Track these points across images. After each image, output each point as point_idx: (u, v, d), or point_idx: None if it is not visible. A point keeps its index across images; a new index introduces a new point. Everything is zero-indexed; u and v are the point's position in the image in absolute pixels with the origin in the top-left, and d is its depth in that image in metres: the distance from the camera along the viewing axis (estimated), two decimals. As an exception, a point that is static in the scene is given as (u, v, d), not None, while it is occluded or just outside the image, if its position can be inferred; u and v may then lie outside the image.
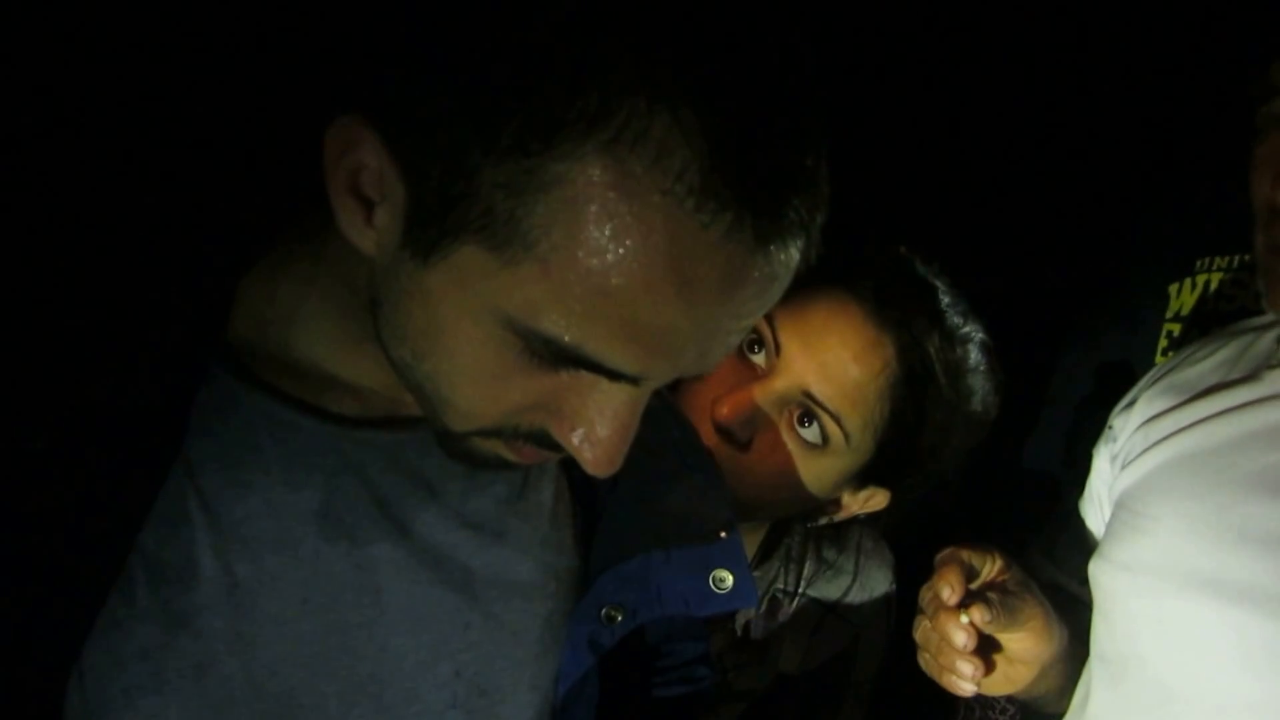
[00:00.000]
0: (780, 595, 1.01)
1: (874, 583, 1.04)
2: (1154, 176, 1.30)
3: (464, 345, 0.53)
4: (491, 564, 0.68)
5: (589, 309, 0.49)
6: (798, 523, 1.03)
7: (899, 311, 0.90)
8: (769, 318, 0.89)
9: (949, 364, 0.90)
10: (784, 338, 0.90)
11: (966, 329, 0.93)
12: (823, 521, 1.01)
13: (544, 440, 0.57)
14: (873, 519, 1.05)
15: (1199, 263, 1.16)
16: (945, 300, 0.93)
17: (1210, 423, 0.80)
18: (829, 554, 1.04)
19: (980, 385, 0.93)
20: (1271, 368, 0.81)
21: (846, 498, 0.97)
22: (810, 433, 0.89)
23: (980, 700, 1.12)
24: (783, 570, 1.02)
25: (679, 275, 0.48)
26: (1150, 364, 1.14)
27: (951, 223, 1.30)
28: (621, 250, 0.48)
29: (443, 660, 0.66)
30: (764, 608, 1.00)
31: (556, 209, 0.48)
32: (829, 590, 1.02)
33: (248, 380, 0.62)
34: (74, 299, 0.61)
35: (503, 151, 0.48)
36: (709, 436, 0.88)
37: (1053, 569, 0.97)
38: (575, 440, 0.56)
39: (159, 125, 0.90)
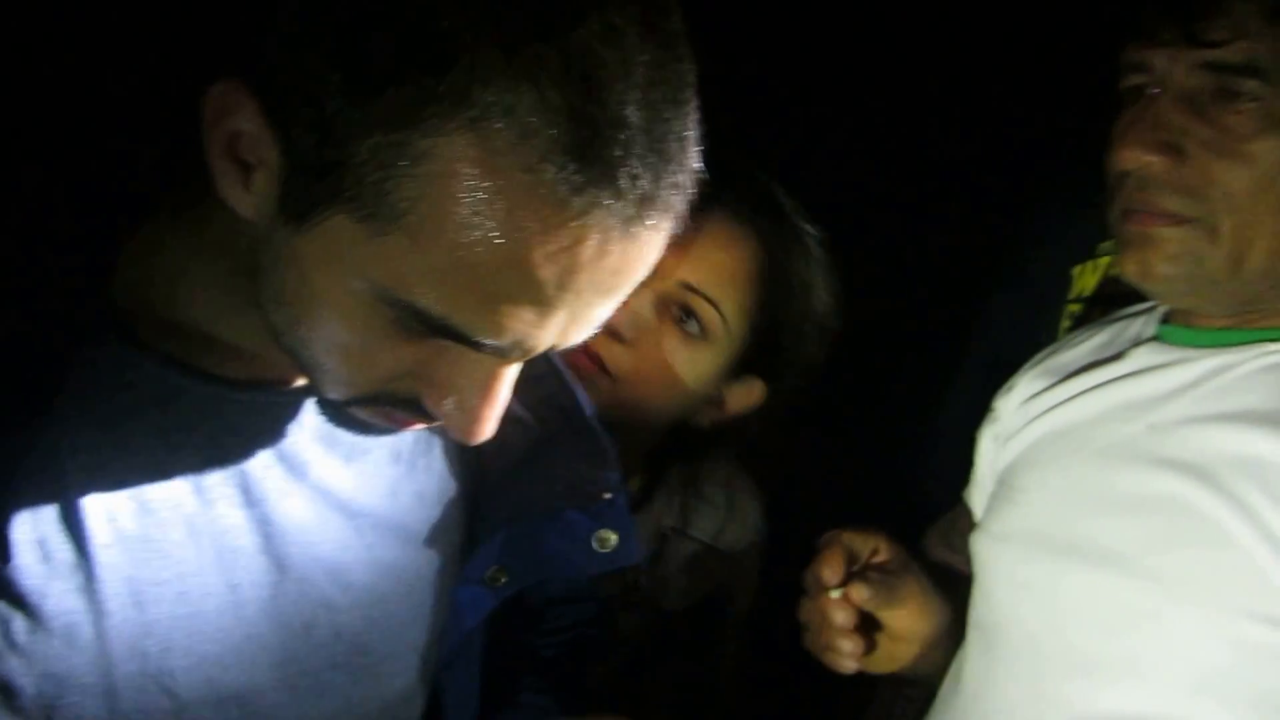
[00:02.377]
0: (669, 532, 1.06)
1: (747, 517, 1.11)
2: (1056, 161, 1.32)
3: (336, 313, 0.54)
4: (374, 526, 0.70)
5: (455, 282, 0.50)
6: (674, 461, 1.08)
7: (755, 210, 0.98)
8: None
9: (803, 252, 1.00)
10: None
11: (810, 228, 1.02)
12: (706, 425, 1.05)
13: (417, 408, 0.58)
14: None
15: (1101, 245, 1.19)
16: (789, 204, 1.01)
17: (1079, 399, 0.84)
18: (706, 489, 1.09)
19: (827, 275, 1.03)
20: (1138, 345, 0.83)
21: (727, 393, 1.03)
22: (691, 325, 0.96)
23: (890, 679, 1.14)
24: (666, 508, 1.07)
25: (542, 251, 0.49)
26: (1054, 341, 1.17)
27: (857, 214, 1.32)
28: (486, 225, 0.49)
29: (322, 620, 0.68)
30: (651, 547, 1.05)
31: (423, 183, 0.49)
32: (706, 526, 1.08)
33: (129, 342, 0.62)
34: None
35: (373, 124, 0.49)
36: (587, 368, 0.93)
37: (945, 550, 0.99)
38: (446, 409, 0.57)
39: (37, 93, 0.89)
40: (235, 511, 0.65)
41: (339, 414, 0.62)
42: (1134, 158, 0.75)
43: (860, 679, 0.89)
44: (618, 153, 0.49)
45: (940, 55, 1.38)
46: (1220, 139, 0.73)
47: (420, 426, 0.61)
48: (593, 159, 0.49)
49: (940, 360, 1.31)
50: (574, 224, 0.49)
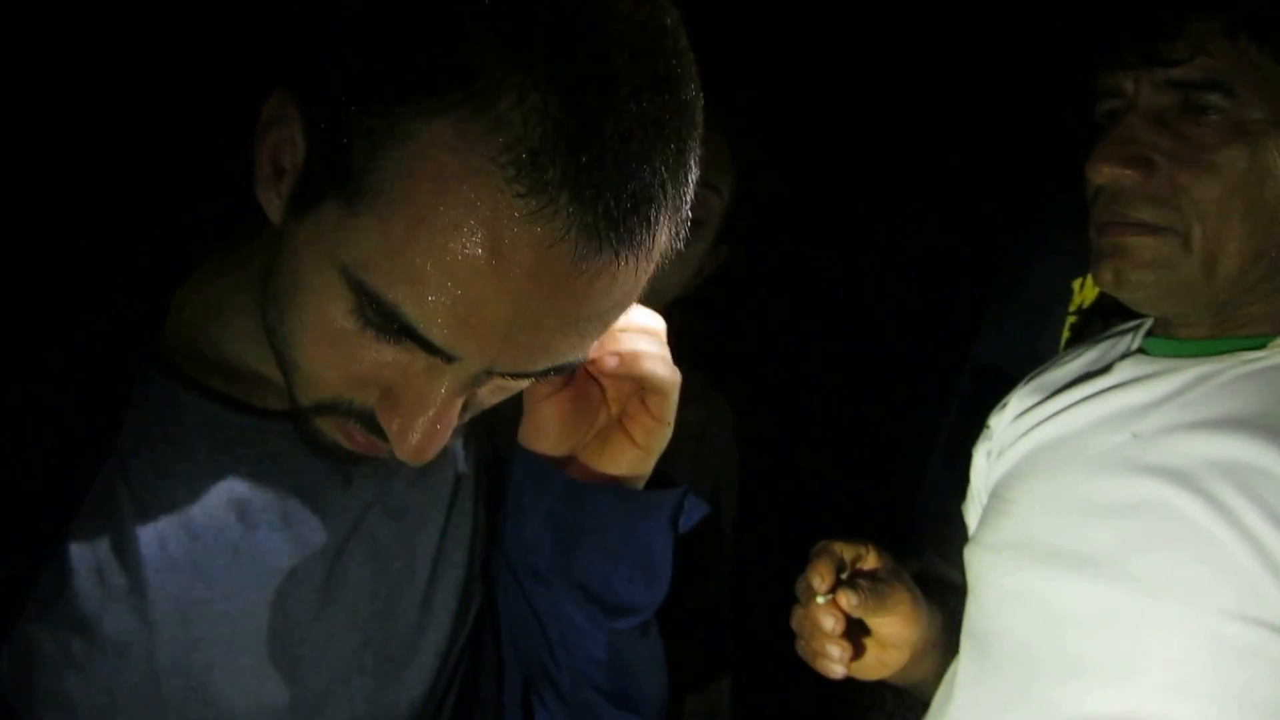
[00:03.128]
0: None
1: (720, 406, 1.21)
2: (1057, 173, 1.34)
3: (309, 299, 0.55)
4: (397, 538, 0.73)
5: (410, 268, 0.51)
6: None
7: (722, 109, 1.09)
8: None
9: (751, 136, 1.14)
10: None
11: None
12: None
13: (373, 423, 0.59)
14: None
15: (1100, 257, 1.21)
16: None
17: (1068, 412, 0.86)
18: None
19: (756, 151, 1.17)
20: (1124, 358, 0.85)
21: (706, 263, 1.17)
22: (699, 213, 1.06)
23: (891, 688, 1.15)
24: None
25: (491, 246, 0.49)
26: (1055, 354, 1.18)
27: (860, 226, 1.34)
28: (443, 209, 0.49)
29: (352, 631, 0.71)
30: None
31: (400, 164, 0.50)
32: (692, 420, 1.14)
33: (178, 379, 0.66)
34: (17, 305, 0.66)
35: (369, 109, 0.51)
36: None
37: (942, 564, 1.02)
38: (394, 426, 0.57)
39: (98, 143, 0.94)
40: (275, 534, 0.68)
41: (307, 429, 0.62)
42: (1106, 172, 0.78)
43: (862, 688, 0.91)
44: (584, 164, 0.49)
45: (944, 67, 1.39)
46: (1187, 150, 0.75)
47: (377, 448, 0.61)
48: (554, 164, 0.49)
49: (941, 372, 1.32)
50: (523, 225, 0.49)
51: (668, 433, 0.73)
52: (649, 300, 0.77)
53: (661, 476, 0.77)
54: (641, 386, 0.71)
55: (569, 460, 0.74)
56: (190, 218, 0.72)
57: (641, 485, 0.75)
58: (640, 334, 0.69)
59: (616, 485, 0.73)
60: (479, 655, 0.79)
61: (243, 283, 0.66)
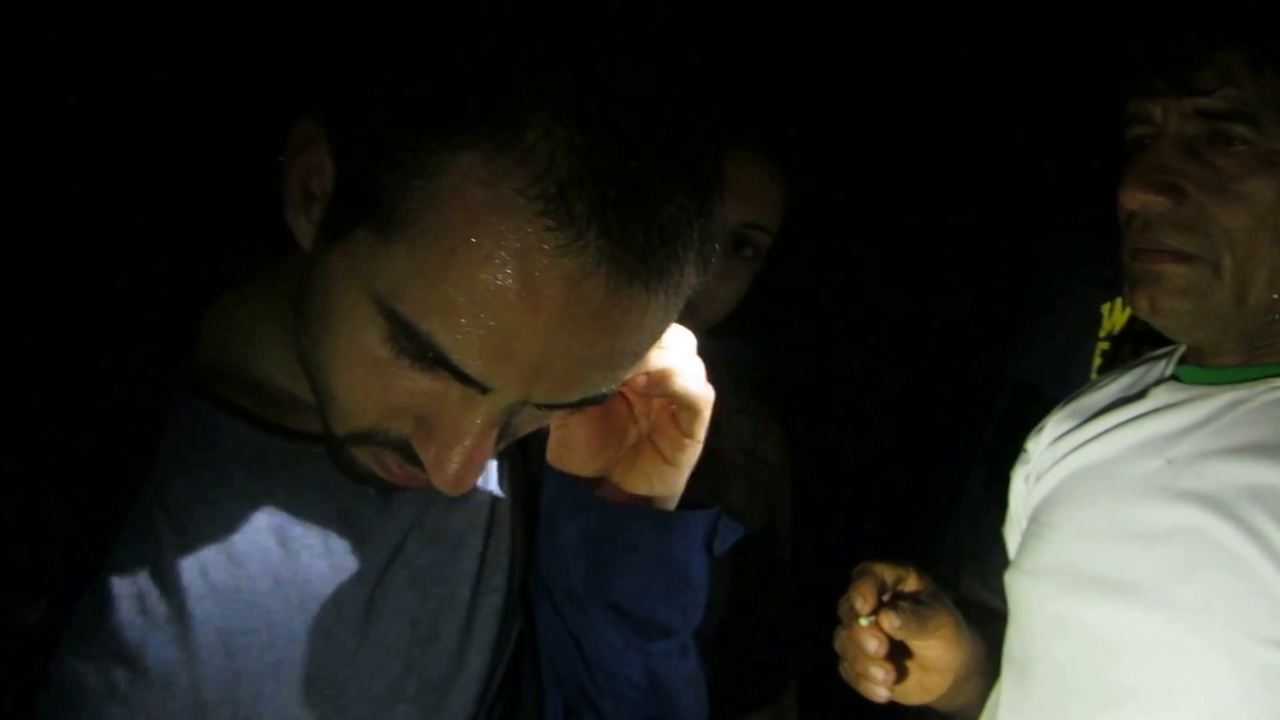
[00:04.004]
0: (716, 415, 1.16)
1: (770, 421, 1.23)
2: (1086, 199, 1.35)
3: (344, 328, 0.55)
4: (437, 563, 0.73)
5: (443, 299, 0.51)
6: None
7: (779, 143, 1.13)
8: None
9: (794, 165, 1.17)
10: None
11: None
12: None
13: (409, 453, 0.58)
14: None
15: (1127, 282, 1.23)
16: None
17: (1103, 437, 0.87)
18: (729, 392, 1.18)
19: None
20: (1158, 385, 0.87)
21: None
22: (748, 251, 1.13)
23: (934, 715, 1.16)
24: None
25: (521, 277, 0.50)
26: (1086, 379, 1.19)
27: (890, 251, 1.36)
28: (474, 241, 0.49)
29: (394, 658, 0.71)
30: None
31: (431, 194, 0.50)
32: (743, 433, 1.19)
33: (213, 402, 0.66)
34: (52, 330, 0.66)
35: (399, 139, 0.51)
36: None
37: (982, 590, 1.02)
38: (430, 455, 0.57)
39: (127, 166, 0.97)
40: (317, 561, 0.68)
41: (343, 458, 0.62)
42: (1138, 198, 0.79)
43: (906, 714, 0.92)
44: (612, 198, 0.49)
45: (976, 94, 1.42)
46: (1215, 180, 0.77)
47: (414, 477, 0.61)
48: (580, 198, 0.49)
49: (972, 396, 1.34)
50: (551, 257, 0.49)
51: (698, 449, 0.73)
52: (692, 325, 0.80)
53: (713, 495, 0.77)
54: (673, 403, 0.71)
55: (601, 480, 0.74)
56: (216, 239, 0.73)
57: (674, 505, 0.74)
58: (669, 351, 0.69)
59: (648, 505, 0.73)
60: (519, 681, 0.78)
61: (273, 305, 0.65)
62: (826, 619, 0.90)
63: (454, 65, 0.51)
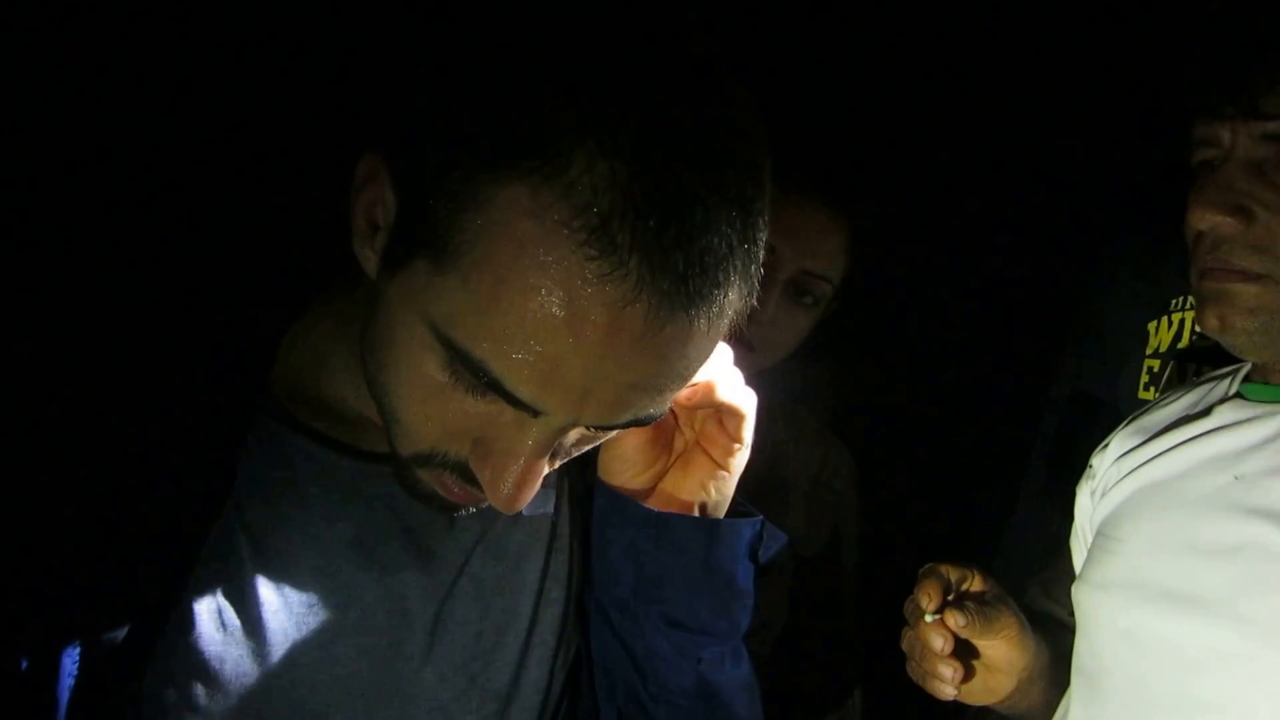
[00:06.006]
0: (783, 445, 1.18)
1: (841, 453, 1.26)
2: (1133, 219, 1.38)
3: (404, 354, 0.57)
4: (499, 576, 0.75)
5: (494, 327, 0.53)
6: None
7: (847, 191, 1.15)
8: None
9: (875, 213, 1.20)
10: (773, 240, 1.12)
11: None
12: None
13: (467, 474, 0.60)
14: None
15: (1174, 301, 1.24)
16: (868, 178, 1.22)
17: (1171, 453, 0.88)
18: (796, 421, 1.22)
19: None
20: (1223, 402, 0.89)
21: None
22: (808, 299, 1.16)
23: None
24: (775, 421, 1.17)
25: (566, 305, 0.51)
26: (1133, 397, 1.21)
27: (936, 269, 1.38)
28: (522, 271, 0.51)
29: (459, 670, 0.73)
30: (767, 460, 1.15)
31: (482, 226, 0.52)
32: (809, 460, 1.22)
33: (288, 424, 0.69)
34: (139, 358, 0.69)
35: (456, 174, 0.53)
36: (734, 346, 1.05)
37: (1046, 600, 1.04)
38: (486, 475, 0.59)
39: (211, 205, 1.00)
40: (387, 577, 0.70)
41: (407, 478, 0.64)
42: (1206, 219, 0.81)
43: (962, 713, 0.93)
44: (653, 228, 0.50)
45: (1032, 116, 1.44)
46: None
47: (473, 497, 0.62)
48: (622, 230, 0.50)
49: (1021, 413, 1.36)
50: (593, 287, 0.51)
51: (747, 452, 0.75)
52: (752, 364, 0.81)
53: (776, 519, 0.79)
54: (718, 410, 0.73)
55: (649, 492, 0.76)
56: (293, 269, 0.75)
57: (722, 512, 0.76)
58: (708, 364, 0.70)
59: (695, 514, 0.74)
60: (575, 695, 0.80)
61: (343, 331, 0.68)
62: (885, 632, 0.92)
63: (501, 102, 0.53)
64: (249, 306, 0.72)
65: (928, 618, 0.86)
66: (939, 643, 0.85)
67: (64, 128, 1.00)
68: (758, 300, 1.03)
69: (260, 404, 0.68)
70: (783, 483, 1.19)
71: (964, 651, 0.88)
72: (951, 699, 0.88)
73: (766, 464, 1.13)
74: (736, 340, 1.03)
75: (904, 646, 0.90)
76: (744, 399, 0.73)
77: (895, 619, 0.92)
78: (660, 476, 0.76)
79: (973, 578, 0.90)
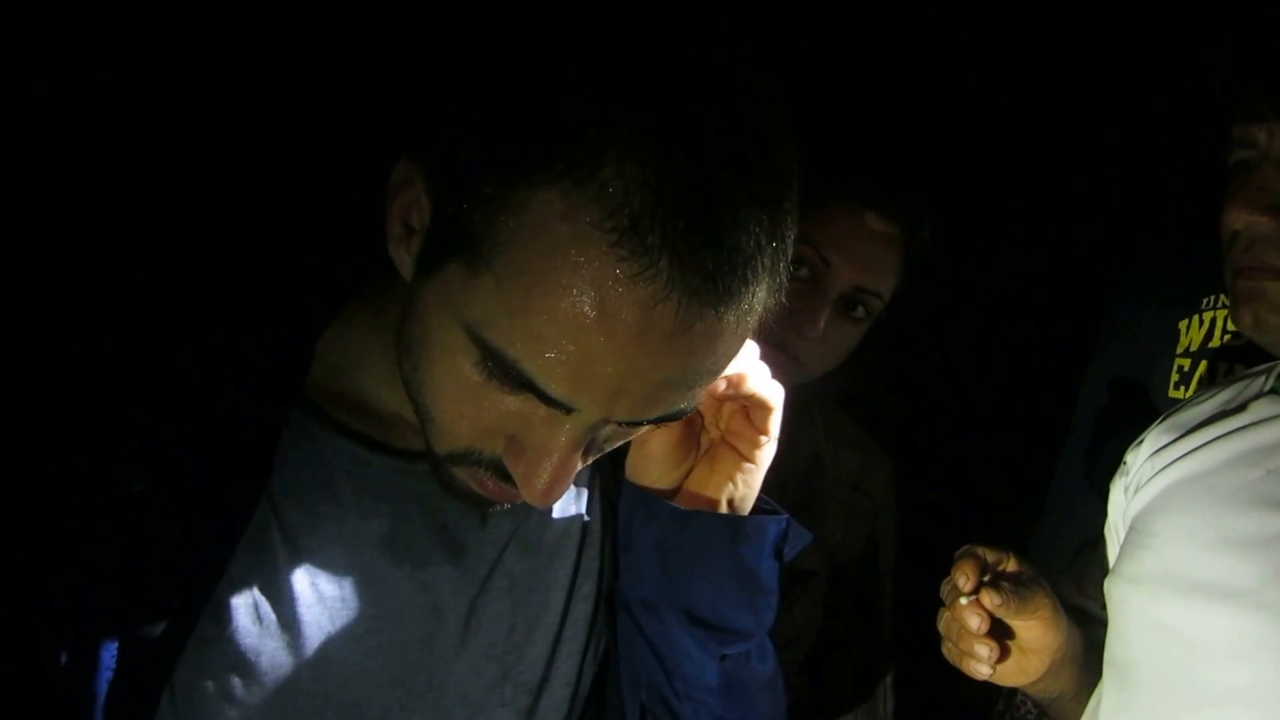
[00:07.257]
0: (821, 451, 1.19)
1: (877, 454, 1.26)
2: (1164, 217, 1.38)
3: (439, 354, 0.59)
4: (532, 571, 0.76)
5: (527, 327, 0.54)
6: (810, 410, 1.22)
7: (900, 206, 1.13)
8: (809, 241, 1.10)
9: (927, 227, 1.18)
10: (826, 253, 1.11)
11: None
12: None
13: (502, 471, 0.62)
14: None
15: (1205, 300, 1.25)
16: (922, 191, 1.19)
17: (1206, 448, 0.89)
18: (838, 428, 1.23)
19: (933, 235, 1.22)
20: (1258, 398, 0.90)
21: None
22: (859, 312, 1.16)
23: (1007, 702, 1.21)
24: (815, 428, 1.20)
25: (599, 306, 0.52)
26: (1164, 396, 1.22)
27: (969, 266, 1.40)
28: (555, 273, 0.52)
29: (492, 664, 0.74)
30: (806, 466, 1.16)
31: (515, 229, 0.53)
32: (847, 467, 1.22)
33: (323, 422, 0.70)
34: (178, 356, 0.70)
35: (485, 178, 0.54)
36: (781, 358, 1.02)
37: (1078, 595, 1.05)
38: (520, 471, 0.60)
39: (249, 207, 1.02)
40: (420, 573, 0.71)
41: (444, 475, 0.65)
42: (1242, 218, 0.83)
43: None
44: (682, 229, 0.52)
45: (1063, 116, 1.45)
46: None
47: (506, 494, 0.64)
48: (657, 229, 0.51)
49: (1052, 410, 1.38)
50: (625, 286, 0.52)
51: (774, 446, 0.76)
52: (797, 376, 0.82)
53: (808, 519, 0.80)
54: (745, 405, 0.74)
55: (676, 490, 0.77)
56: (330, 270, 0.76)
57: (748, 507, 0.77)
58: (736, 357, 0.72)
59: (722, 510, 0.75)
60: (602, 692, 0.81)
61: (380, 331, 0.69)
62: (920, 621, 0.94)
63: (533, 108, 0.54)
64: (287, 307, 0.74)
65: (964, 598, 0.87)
66: (975, 622, 0.86)
67: (112, 132, 1.01)
68: (809, 316, 1.06)
69: (297, 402, 0.70)
70: (821, 491, 1.20)
71: (999, 632, 0.89)
72: (986, 678, 0.89)
73: (805, 472, 1.16)
74: (784, 354, 1.06)
75: (940, 627, 0.91)
76: (772, 391, 0.74)
77: (931, 622, 0.93)
78: (687, 475, 0.77)
79: (1008, 559, 0.91)
